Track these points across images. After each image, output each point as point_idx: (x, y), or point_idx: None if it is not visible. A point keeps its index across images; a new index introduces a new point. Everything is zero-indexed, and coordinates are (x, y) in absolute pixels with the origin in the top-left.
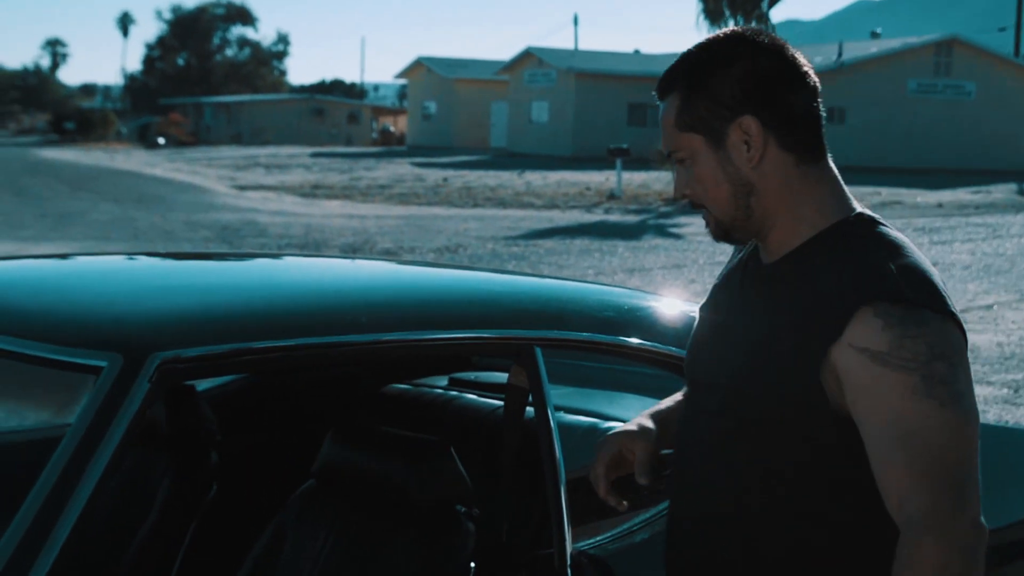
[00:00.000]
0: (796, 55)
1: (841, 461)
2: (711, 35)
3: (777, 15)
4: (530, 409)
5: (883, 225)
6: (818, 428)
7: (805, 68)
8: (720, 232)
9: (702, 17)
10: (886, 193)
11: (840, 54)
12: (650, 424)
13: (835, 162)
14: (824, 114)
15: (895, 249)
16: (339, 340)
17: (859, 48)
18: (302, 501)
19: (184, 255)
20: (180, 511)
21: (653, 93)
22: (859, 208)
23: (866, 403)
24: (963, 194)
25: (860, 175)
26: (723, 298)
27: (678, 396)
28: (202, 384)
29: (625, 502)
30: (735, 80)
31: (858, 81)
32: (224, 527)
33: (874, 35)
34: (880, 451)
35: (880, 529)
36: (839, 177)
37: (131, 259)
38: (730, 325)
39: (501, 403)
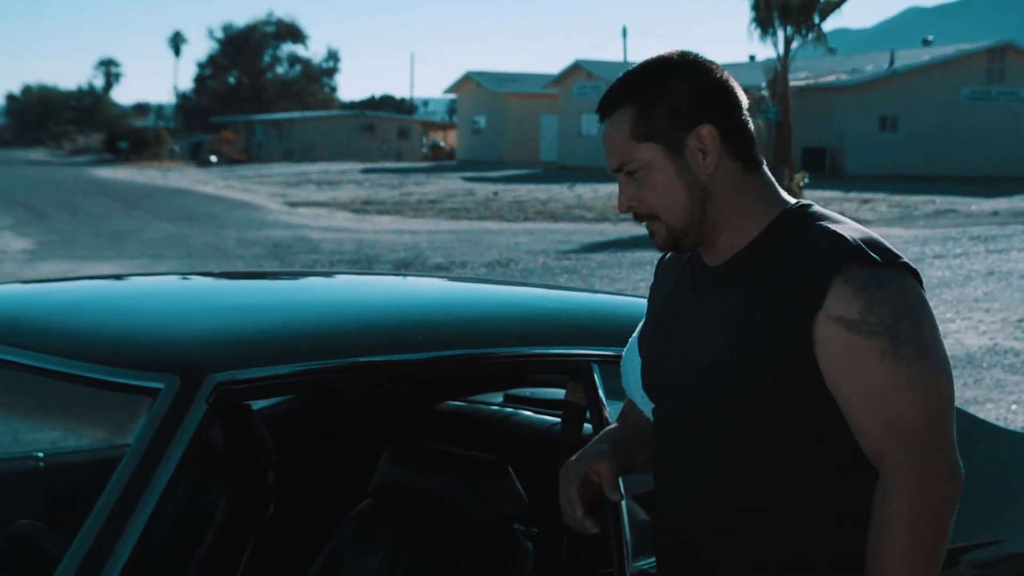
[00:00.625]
0: (729, 75)
1: (836, 438)
2: (648, 58)
3: (827, 24)
4: (587, 426)
5: (817, 206)
6: (811, 407)
7: (738, 87)
8: (670, 241)
9: (753, 27)
10: (940, 202)
11: (892, 62)
12: (606, 446)
13: (888, 170)
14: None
15: (837, 221)
16: (395, 359)
17: (911, 56)
18: (359, 520)
19: (237, 274)
20: (237, 531)
21: (595, 112)
22: (792, 200)
23: (841, 370)
24: (1019, 202)
25: (913, 184)
26: (676, 309)
27: (617, 424)
28: (257, 403)
29: (597, 526)
30: (689, 91)
31: (910, 89)
32: (281, 547)
33: (926, 42)
34: (856, 414)
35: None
36: (773, 180)
37: (185, 279)
38: (694, 329)
39: (557, 420)
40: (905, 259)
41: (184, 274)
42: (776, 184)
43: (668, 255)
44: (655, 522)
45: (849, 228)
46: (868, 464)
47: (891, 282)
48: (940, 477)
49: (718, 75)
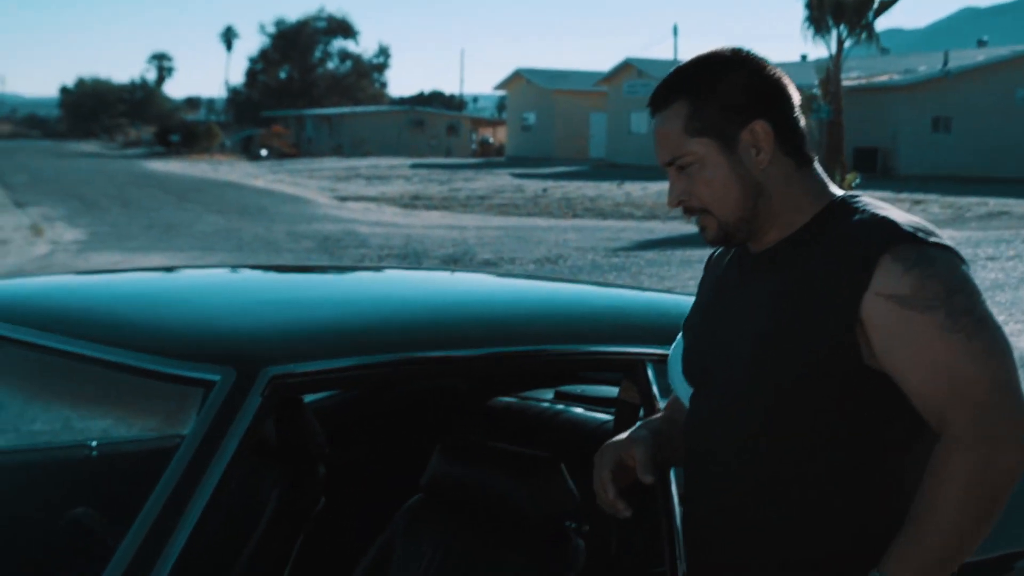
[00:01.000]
0: (781, 71)
1: (872, 421)
2: (701, 53)
3: (880, 23)
4: None
5: (866, 196)
6: (850, 386)
7: (791, 84)
8: (720, 236)
9: (806, 26)
10: (993, 204)
11: (946, 63)
12: (644, 432)
13: (940, 171)
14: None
15: (884, 207)
16: (448, 355)
17: (965, 56)
18: (410, 515)
19: (289, 268)
20: (288, 523)
21: (647, 107)
22: (840, 192)
23: (899, 348)
24: None
25: (966, 185)
26: (720, 296)
27: (664, 413)
28: (310, 397)
29: (629, 509)
30: (743, 86)
31: (965, 90)
32: (332, 540)
33: (980, 43)
34: (917, 387)
35: (910, 488)
36: (824, 174)
37: (237, 272)
38: (736, 314)
39: (608, 417)
40: (949, 242)
41: (236, 267)
42: (827, 178)
43: (718, 251)
44: (683, 506)
45: (897, 213)
46: (903, 451)
47: (939, 259)
48: (1008, 444)
49: (771, 71)
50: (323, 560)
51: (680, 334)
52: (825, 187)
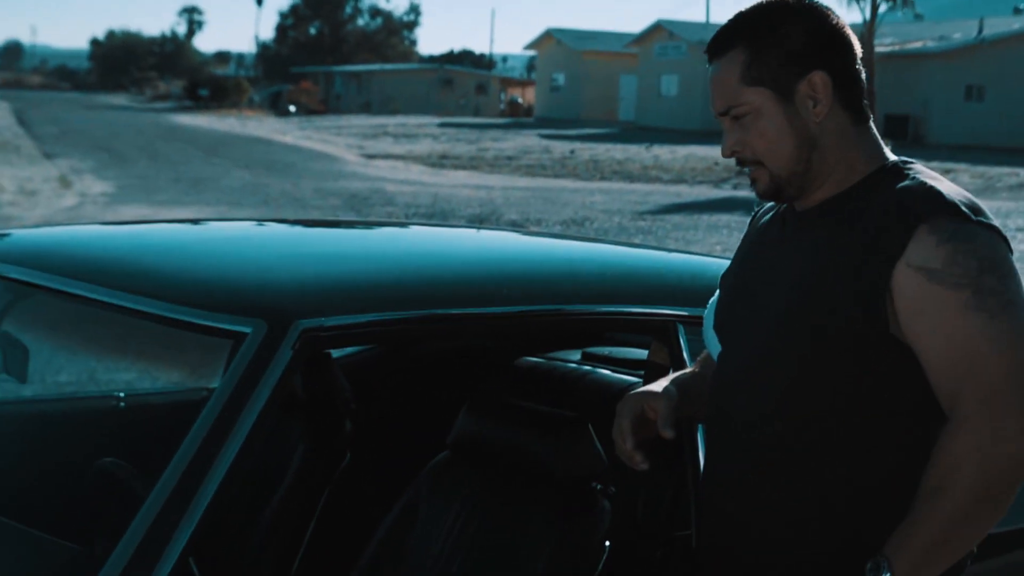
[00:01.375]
0: (844, 21)
1: (894, 391)
2: (760, 0)
3: None
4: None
5: (919, 164)
6: (874, 353)
7: (853, 35)
8: (772, 189)
9: None
10: None
11: (980, 30)
12: (670, 386)
13: (972, 140)
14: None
15: (936, 178)
16: (477, 312)
17: (1001, 24)
18: (436, 472)
19: (319, 223)
20: (314, 479)
21: (704, 53)
22: (894, 157)
23: (921, 321)
24: None
25: (999, 155)
26: (759, 252)
27: (695, 368)
28: (336, 352)
29: (646, 462)
30: (803, 36)
31: (999, 58)
32: (357, 496)
33: (1017, 11)
34: (935, 363)
35: (921, 467)
36: (879, 137)
37: (266, 225)
38: (773, 271)
39: (636, 379)
40: (996, 223)
41: (266, 220)
42: (881, 141)
43: (763, 209)
44: (704, 462)
45: (946, 185)
46: (918, 428)
47: (979, 236)
48: (1018, 430)
49: (835, 20)
50: (348, 516)
51: (716, 291)
52: (880, 149)
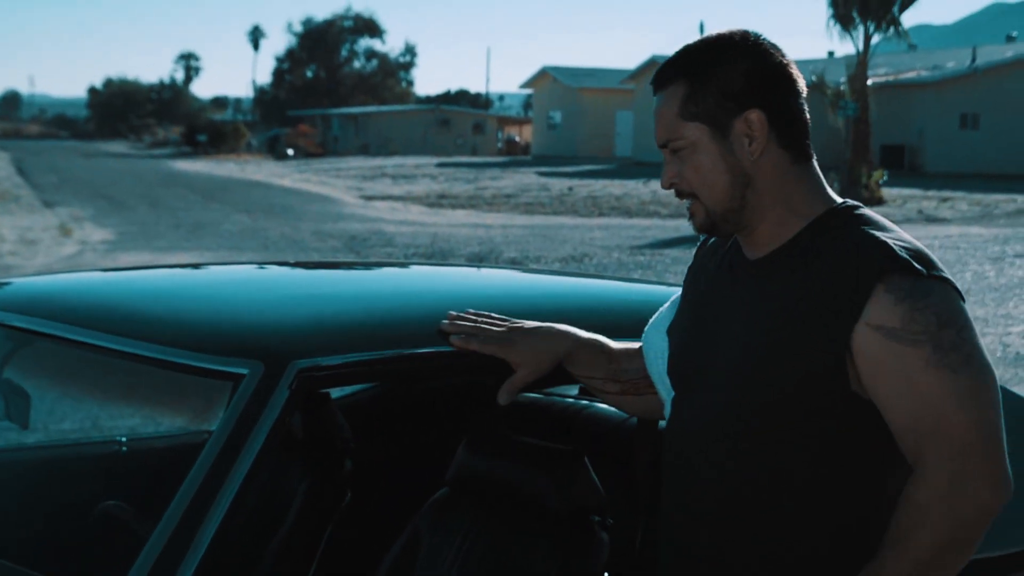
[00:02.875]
0: (790, 60)
1: (855, 450)
2: (710, 34)
3: (908, 19)
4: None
5: (864, 208)
6: (834, 411)
7: (798, 73)
8: (707, 224)
9: (832, 22)
10: (1021, 200)
11: (974, 58)
12: (560, 347)
13: (968, 168)
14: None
15: (883, 228)
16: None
17: (994, 52)
18: (436, 509)
19: (315, 264)
20: (315, 518)
21: (650, 84)
22: (839, 199)
23: (884, 379)
24: None
25: (995, 182)
26: (711, 299)
27: (614, 348)
28: (334, 391)
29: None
30: (743, 74)
31: (993, 86)
32: (358, 534)
33: (1009, 39)
34: (899, 420)
35: (886, 513)
36: (822, 176)
37: (264, 268)
38: (727, 321)
39: None
40: (948, 274)
41: (263, 263)
42: (824, 181)
43: (711, 241)
44: (661, 510)
45: (895, 236)
46: (883, 474)
47: (934, 291)
48: (984, 484)
49: (777, 59)
50: (350, 554)
51: (657, 319)
52: (823, 190)
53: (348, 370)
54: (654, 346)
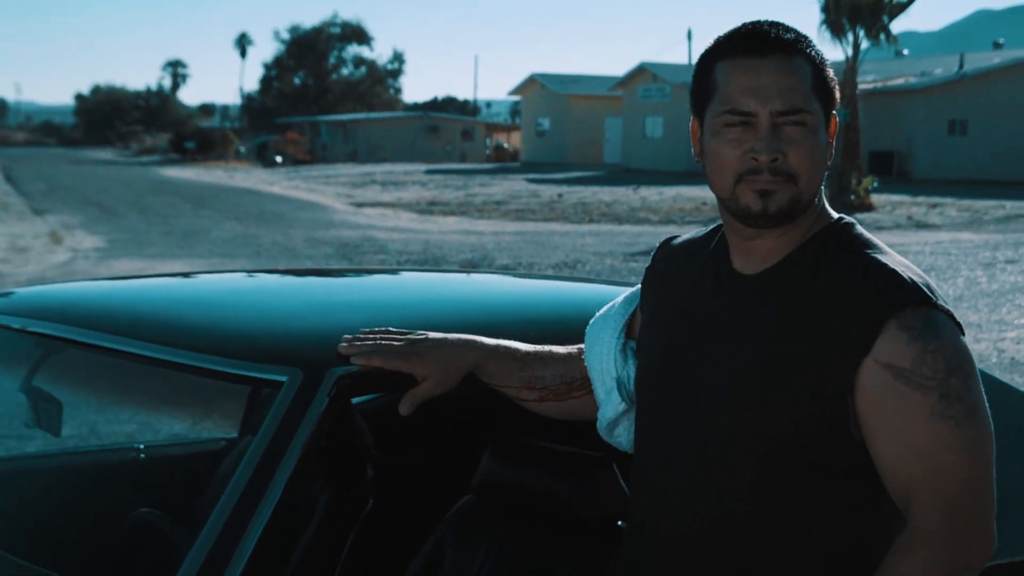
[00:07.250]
0: None
1: (848, 487)
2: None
3: (895, 26)
4: None
5: (858, 226)
6: (831, 447)
7: None
8: (785, 208)
9: (823, 29)
10: (1011, 206)
11: (961, 65)
12: (470, 358)
13: (957, 175)
14: None
15: (882, 250)
16: None
17: (981, 59)
18: (461, 516)
19: (334, 271)
20: (338, 526)
21: (771, 30)
22: (835, 215)
23: (882, 420)
24: None
25: (984, 188)
26: (697, 313)
27: (567, 349)
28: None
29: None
30: (833, 77)
31: (981, 92)
32: (381, 542)
33: (996, 45)
34: (892, 464)
35: (878, 558)
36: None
37: (286, 276)
38: (720, 338)
39: None
40: (950, 306)
41: (283, 272)
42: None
43: (674, 242)
44: (627, 525)
45: (897, 261)
46: (870, 512)
47: (945, 331)
48: (971, 545)
49: None
50: (373, 562)
51: (603, 316)
52: (822, 202)
53: (383, 378)
54: (603, 343)
